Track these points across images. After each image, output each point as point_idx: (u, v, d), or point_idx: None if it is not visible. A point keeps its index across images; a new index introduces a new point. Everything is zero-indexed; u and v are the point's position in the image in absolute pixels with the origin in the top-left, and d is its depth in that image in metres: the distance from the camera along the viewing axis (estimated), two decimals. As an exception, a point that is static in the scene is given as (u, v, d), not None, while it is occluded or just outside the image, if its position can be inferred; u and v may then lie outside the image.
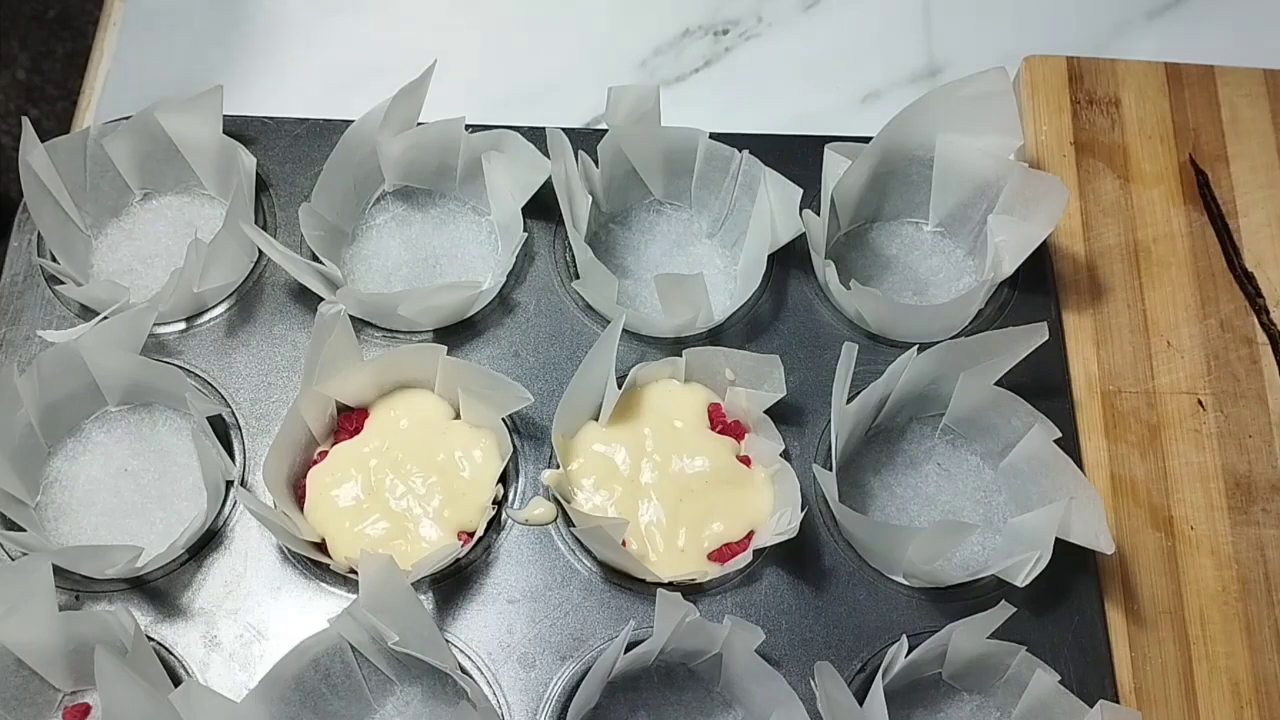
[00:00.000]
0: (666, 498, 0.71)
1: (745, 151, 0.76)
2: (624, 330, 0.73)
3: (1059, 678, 0.64)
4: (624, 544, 0.69)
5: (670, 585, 0.68)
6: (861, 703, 0.63)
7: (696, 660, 0.67)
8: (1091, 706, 0.64)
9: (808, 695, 0.64)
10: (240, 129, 0.79)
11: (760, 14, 0.93)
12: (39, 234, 0.76)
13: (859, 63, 0.91)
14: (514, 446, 0.72)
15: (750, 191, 0.76)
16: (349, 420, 0.73)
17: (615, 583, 0.70)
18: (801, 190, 0.74)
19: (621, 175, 0.79)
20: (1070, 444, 0.74)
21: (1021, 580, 0.67)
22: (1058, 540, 0.67)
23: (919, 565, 0.68)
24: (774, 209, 0.74)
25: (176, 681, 0.66)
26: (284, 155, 0.81)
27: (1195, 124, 0.86)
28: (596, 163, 0.76)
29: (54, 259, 0.76)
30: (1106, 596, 0.72)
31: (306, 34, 0.91)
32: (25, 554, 0.67)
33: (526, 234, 0.76)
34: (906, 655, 0.65)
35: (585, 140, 0.77)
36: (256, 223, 0.77)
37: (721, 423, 0.74)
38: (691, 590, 0.69)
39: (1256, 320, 0.81)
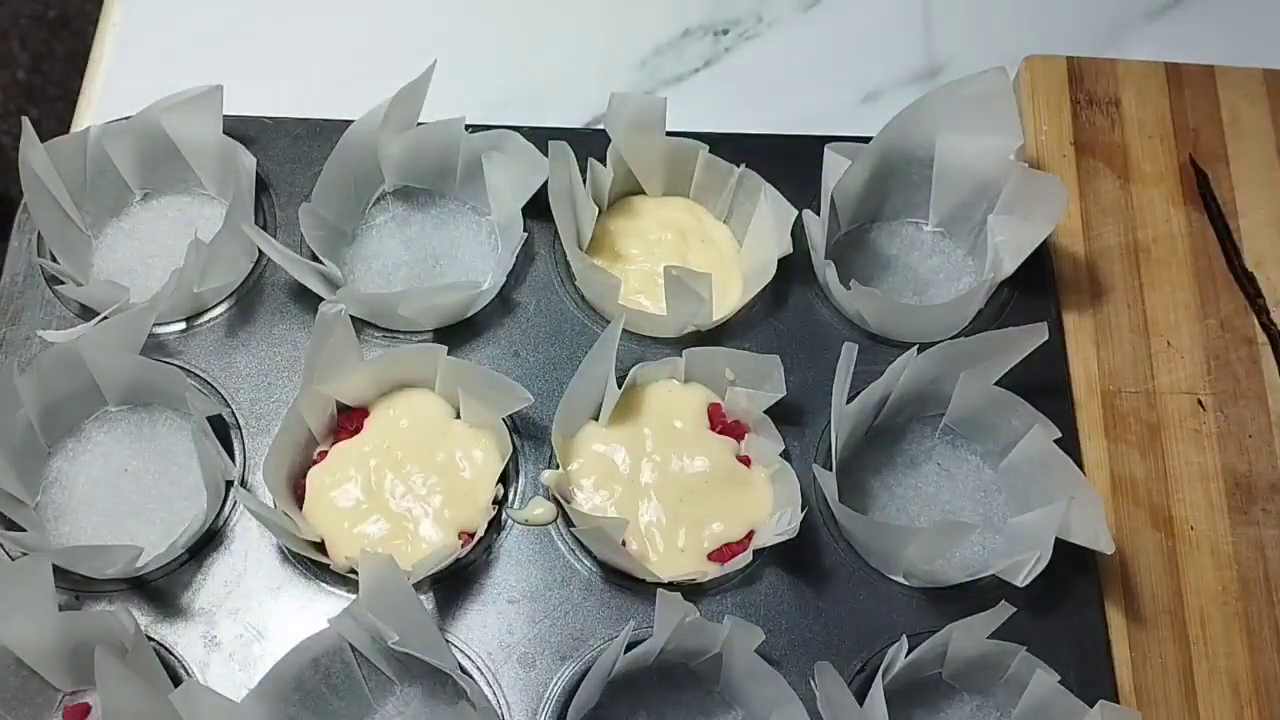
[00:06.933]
0: (666, 498, 0.71)
1: (743, 165, 0.76)
2: (624, 330, 0.73)
3: (1059, 678, 0.64)
4: (624, 544, 0.69)
5: (670, 585, 0.68)
6: (861, 703, 0.63)
7: (696, 660, 0.67)
8: (1091, 706, 0.64)
9: (808, 695, 0.64)
10: (240, 129, 0.79)
11: (760, 14, 0.93)
12: (39, 234, 0.76)
13: (859, 63, 0.91)
14: (514, 446, 0.72)
15: (748, 201, 0.76)
16: (349, 420, 0.73)
17: (615, 583, 0.70)
18: (796, 211, 0.75)
19: (621, 178, 0.79)
20: (1070, 444, 0.74)
21: (1021, 580, 0.67)
22: (1058, 540, 0.67)
23: (919, 565, 0.68)
24: (769, 226, 0.74)
25: (176, 681, 0.66)
26: (284, 155, 0.81)
27: (1195, 124, 0.86)
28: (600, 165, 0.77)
29: (54, 259, 0.76)
30: (1106, 596, 0.72)
31: (307, 34, 0.91)
32: (25, 554, 0.67)
33: (526, 234, 0.76)
34: (906, 655, 0.65)
35: (585, 141, 0.77)
36: (256, 223, 0.77)
37: (721, 423, 0.74)
38: (691, 590, 0.69)
39: (1256, 320, 0.80)
